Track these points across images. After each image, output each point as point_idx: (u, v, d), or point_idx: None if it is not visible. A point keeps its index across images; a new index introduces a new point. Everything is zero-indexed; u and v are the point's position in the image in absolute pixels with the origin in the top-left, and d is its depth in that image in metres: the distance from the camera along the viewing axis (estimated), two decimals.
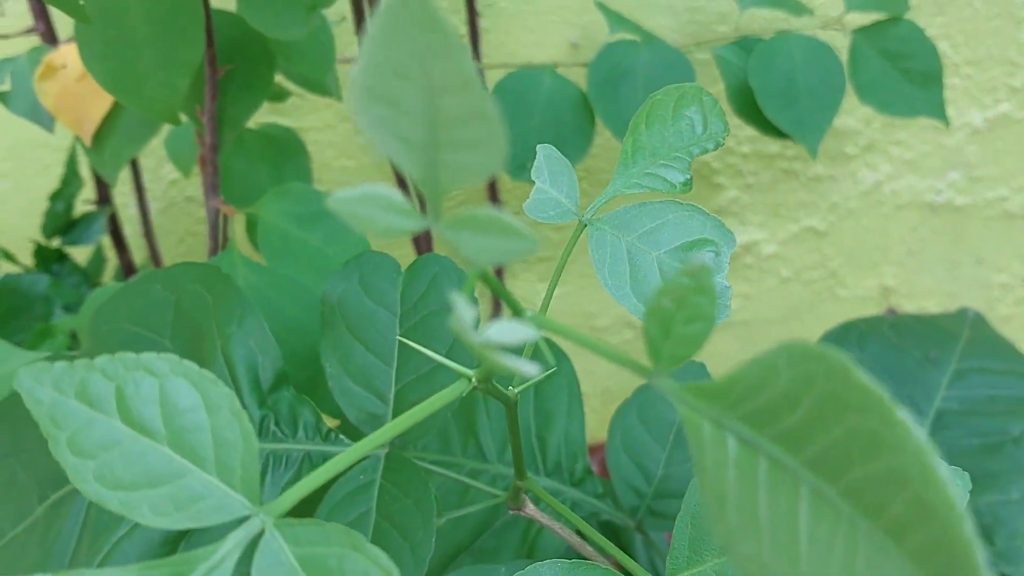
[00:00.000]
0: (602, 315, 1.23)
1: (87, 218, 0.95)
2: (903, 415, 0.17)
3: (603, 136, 1.01)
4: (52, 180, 1.00)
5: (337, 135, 1.09)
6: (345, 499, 0.47)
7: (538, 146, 0.34)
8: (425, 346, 0.50)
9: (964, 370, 0.78)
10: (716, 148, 0.35)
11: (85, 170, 0.99)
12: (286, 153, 0.84)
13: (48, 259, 0.94)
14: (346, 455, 0.26)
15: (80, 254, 1.01)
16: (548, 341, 0.67)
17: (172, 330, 0.51)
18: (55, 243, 0.95)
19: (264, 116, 1.01)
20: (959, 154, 1.11)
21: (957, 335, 0.83)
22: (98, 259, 1.00)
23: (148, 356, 0.24)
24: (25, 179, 1.11)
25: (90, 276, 0.96)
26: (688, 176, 0.34)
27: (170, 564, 0.22)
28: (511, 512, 0.49)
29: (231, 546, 0.23)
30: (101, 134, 0.73)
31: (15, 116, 1.08)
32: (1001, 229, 1.17)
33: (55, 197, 0.94)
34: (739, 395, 0.19)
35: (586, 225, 0.34)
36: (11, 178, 1.11)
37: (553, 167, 0.34)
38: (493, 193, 1.08)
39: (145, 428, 0.24)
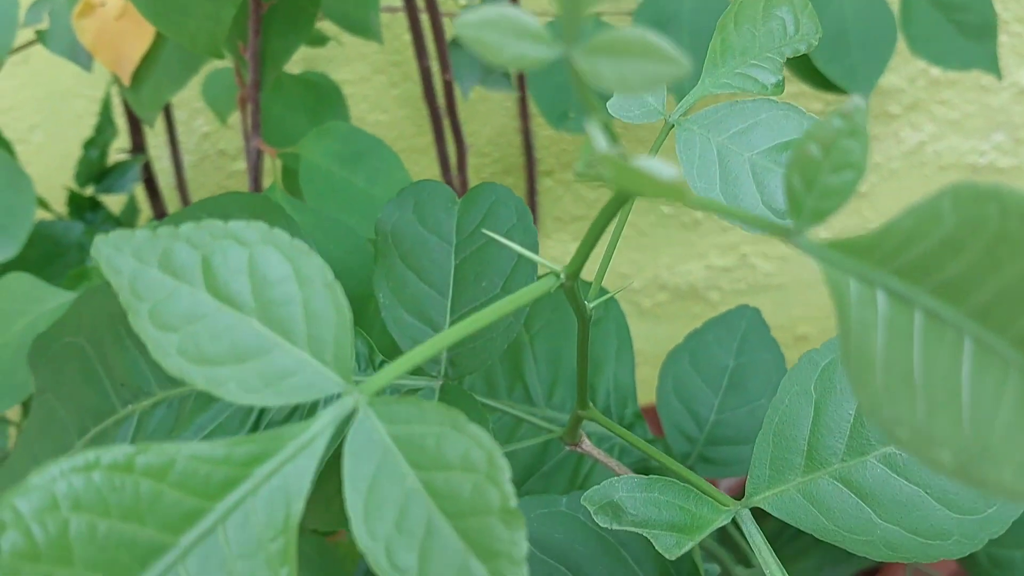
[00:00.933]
0: (637, 277, 1.22)
1: (121, 166, 0.93)
2: None
3: None
4: (85, 130, 0.99)
5: (371, 88, 1.08)
6: None
7: None
8: (482, 276, 0.48)
9: None
10: (808, 50, 0.33)
11: (119, 120, 0.98)
12: (325, 100, 0.82)
13: (82, 207, 0.93)
14: (416, 352, 0.25)
15: (114, 205, 1.00)
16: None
17: None
18: (89, 191, 0.94)
19: (298, 68, 0.99)
20: (1004, 114, 1.09)
21: None
22: (131, 209, 0.99)
23: (237, 224, 0.23)
24: (59, 130, 1.10)
25: (124, 225, 0.95)
26: (780, 77, 0.33)
27: (261, 440, 0.21)
28: (567, 448, 0.48)
29: (323, 424, 0.22)
30: (139, 73, 0.72)
31: (48, 67, 1.07)
32: None
33: (89, 144, 0.93)
34: (893, 247, 0.17)
35: (672, 126, 0.33)
36: (44, 129, 1.11)
37: None
38: (528, 150, 1.06)
39: (233, 300, 0.23)
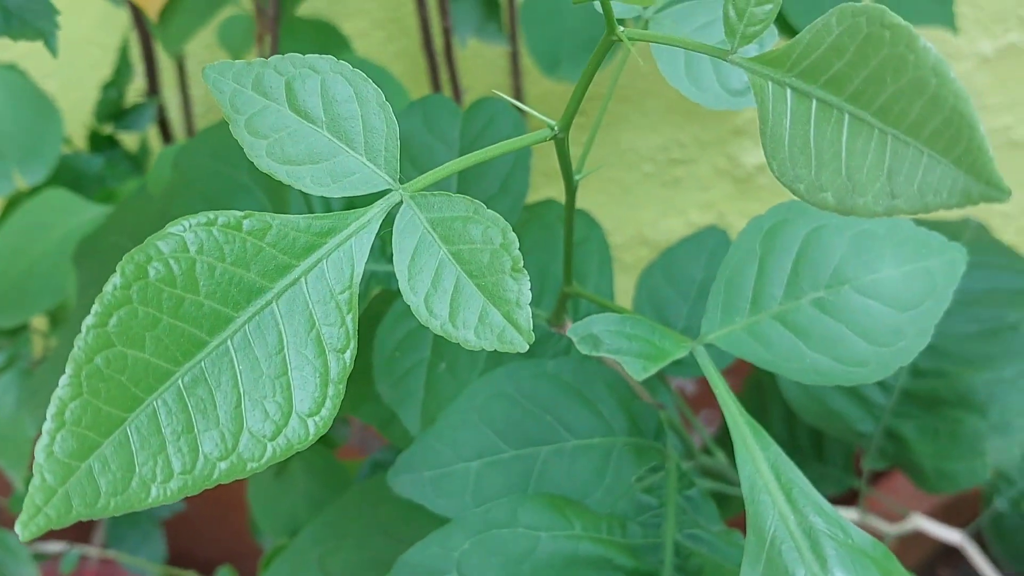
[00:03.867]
0: (617, 232, 1.27)
1: (139, 107, 1.00)
2: (925, 42, 0.22)
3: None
4: (99, 78, 1.05)
5: (370, 43, 1.13)
6: (401, 316, 0.53)
7: None
8: (482, 178, 0.55)
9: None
10: None
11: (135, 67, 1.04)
12: (334, 44, 0.89)
13: (100, 144, 0.99)
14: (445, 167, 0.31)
15: (128, 145, 1.06)
16: (579, 211, 0.72)
17: (251, 165, 0.56)
18: (107, 130, 1.00)
19: None
20: (968, 82, 1.15)
21: (959, 236, 0.88)
22: (144, 149, 1.05)
23: (312, 57, 0.30)
24: (75, 78, 1.15)
25: (139, 162, 1.01)
26: None
27: (332, 217, 0.28)
28: (552, 330, 0.55)
29: (376, 211, 0.29)
30: (167, 11, 0.79)
31: (65, 15, 1.12)
32: (1005, 158, 1.21)
33: (108, 86, 1.00)
34: (796, 56, 0.24)
35: (647, 21, 0.40)
36: (59, 77, 1.16)
37: None
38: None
39: (309, 116, 0.30)
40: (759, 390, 0.92)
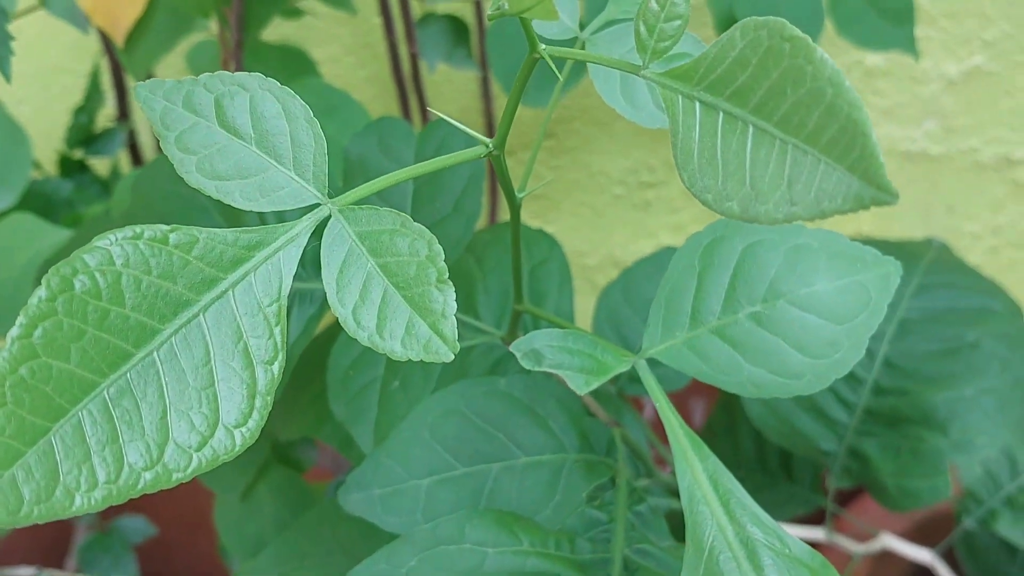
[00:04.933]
0: (592, 254, 1.28)
1: (109, 132, 1.01)
2: (822, 53, 0.23)
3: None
4: (71, 105, 1.05)
5: (341, 68, 1.14)
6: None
7: None
8: (436, 198, 0.56)
9: (927, 284, 0.83)
10: None
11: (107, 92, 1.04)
12: (300, 69, 0.89)
13: (71, 168, 1.00)
14: (382, 179, 0.32)
15: (99, 169, 1.07)
16: (541, 232, 0.73)
17: None
18: (77, 155, 1.01)
19: None
20: (934, 104, 1.16)
21: (922, 256, 0.89)
22: (115, 175, 1.06)
23: (241, 75, 0.30)
24: (46, 104, 1.16)
25: (109, 186, 1.02)
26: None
27: (261, 231, 0.29)
28: (508, 348, 0.56)
29: (305, 224, 0.30)
30: (133, 36, 0.79)
31: (37, 42, 1.13)
32: (972, 179, 1.22)
33: (79, 111, 1.00)
34: (704, 71, 0.25)
35: (584, 43, 0.40)
36: (31, 103, 1.17)
37: None
38: (490, 129, 1.13)
39: (238, 132, 0.30)
40: (728, 410, 0.92)
